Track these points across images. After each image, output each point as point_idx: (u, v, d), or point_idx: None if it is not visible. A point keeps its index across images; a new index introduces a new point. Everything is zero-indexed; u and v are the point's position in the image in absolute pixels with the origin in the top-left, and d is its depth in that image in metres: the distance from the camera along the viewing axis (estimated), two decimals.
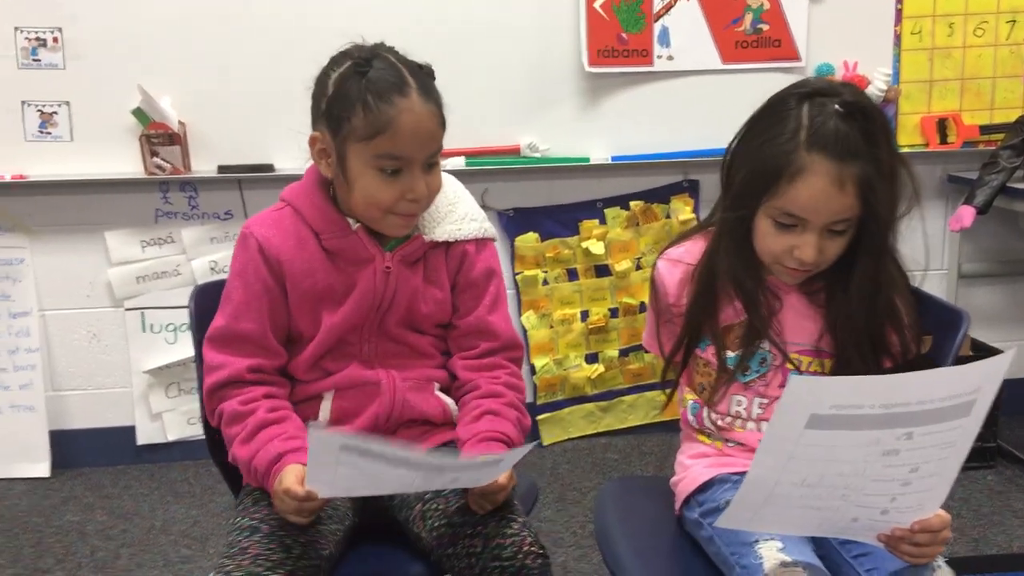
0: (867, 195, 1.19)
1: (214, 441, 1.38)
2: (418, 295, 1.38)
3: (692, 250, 1.38)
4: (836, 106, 1.20)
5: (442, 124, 1.31)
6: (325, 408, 1.37)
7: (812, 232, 1.22)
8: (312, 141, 1.32)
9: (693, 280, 1.35)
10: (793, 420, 0.96)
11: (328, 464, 1.10)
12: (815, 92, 1.23)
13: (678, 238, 1.44)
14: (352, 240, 1.34)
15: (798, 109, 1.22)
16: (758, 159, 1.24)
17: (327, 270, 1.35)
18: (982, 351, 2.66)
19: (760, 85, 1.31)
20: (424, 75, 1.30)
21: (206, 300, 1.43)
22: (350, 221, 1.35)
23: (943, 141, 2.76)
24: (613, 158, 2.73)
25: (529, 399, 2.83)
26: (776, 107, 1.26)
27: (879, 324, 1.29)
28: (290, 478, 1.19)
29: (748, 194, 1.26)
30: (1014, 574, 2.11)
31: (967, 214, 2.48)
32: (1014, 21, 2.71)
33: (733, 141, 1.32)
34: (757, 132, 1.27)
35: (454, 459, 1.18)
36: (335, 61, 1.31)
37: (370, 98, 1.24)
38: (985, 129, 2.74)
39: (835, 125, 1.19)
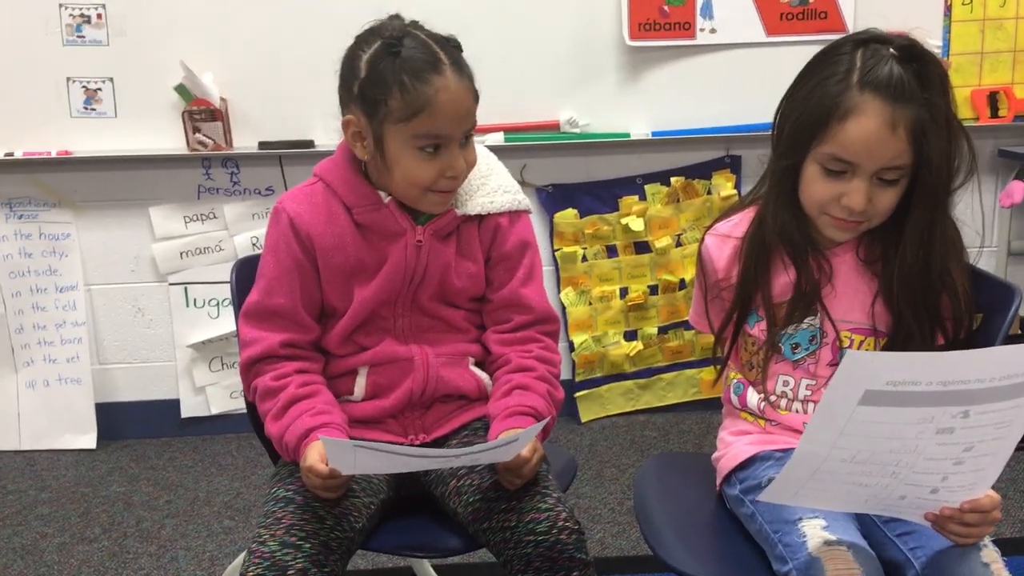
0: (920, 141, 1.16)
1: (255, 414, 1.40)
2: (451, 269, 1.37)
3: (741, 224, 1.36)
4: (891, 50, 1.18)
5: (476, 98, 1.30)
6: (360, 383, 1.38)
7: (862, 178, 1.19)
8: (346, 124, 1.31)
9: (743, 250, 1.33)
10: (847, 395, 0.95)
11: (346, 458, 1.14)
12: (871, 39, 1.20)
13: (726, 212, 1.41)
14: (383, 214, 1.34)
15: (852, 54, 1.20)
16: (809, 102, 1.21)
17: (358, 244, 1.35)
18: None
19: (805, 58, 1.27)
20: (453, 49, 1.29)
21: (246, 274, 1.43)
22: (381, 195, 1.34)
23: (994, 115, 2.69)
24: (653, 133, 2.70)
25: (567, 376, 2.82)
26: (829, 53, 1.23)
27: (934, 290, 1.25)
28: (314, 456, 1.21)
29: (798, 140, 1.23)
30: None
31: (1018, 189, 2.43)
32: None
33: (786, 94, 1.29)
34: (809, 77, 1.24)
35: (467, 448, 1.19)
36: (363, 40, 1.29)
37: (406, 78, 1.23)
38: None
39: (890, 67, 1.17)
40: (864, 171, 1.19)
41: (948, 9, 2.65)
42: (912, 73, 1.17)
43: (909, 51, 1.18)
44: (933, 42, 2.62)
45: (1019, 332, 2.50)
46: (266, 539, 1.20)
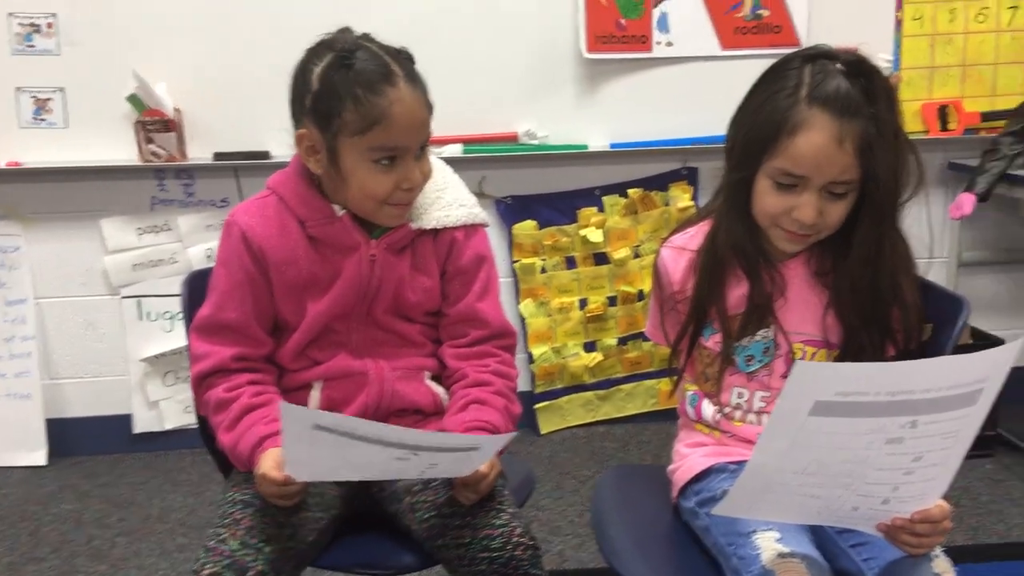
0: (867, 155, 1.17)
1: (207, 428, 1.37)
2: (405, 283, 1.36)
3: (696, 236, 1.36)
4: (839, 65, 1.19)
5: (430, 109, 1.30)
6: (314, 398, 1.36)
7: (811, 192, 1.20)
8: (299, 139, 1.29)
9: (698, 262, 1.33)
10: (797, 406, 0.95)
11: (303, 444, 1.09)
12: (819, 54, 1.22)
13: (682, 225, 1.42)
14: (337, 228, 1.33)
15: (801, 69, 1.21)
16: (759, 116, 1.23)
17: (311, 258, 1.33)
18: (982, 340, 2.65)
19: (760, 71, 1.28)
20: (405, 60, 1.29)
21: (197, 287, 1.42)
22: (335, 208, 1.33)
23: (944, 128, 2.74)
24: (612, 145, 2.71)
25: (527, 388, 2.82)
26: (778, 68, 1.24)
27: (884, 302, 1.26)
28: (268, 462, 1.19)
29: (749, 154, 1.24)
30: (1012, 563, 2.11)
31: (967, 201, 2.46)
32: (1015, 7, 2.68)
33: (737, 108, 1.30)
34: (759, 92, 1.25)
35: (429, 437, 1.17)
36: (314, 53, 1.28)
37: (359, 91, 1.22)
38: (986, 116, 2.72)
39: (837, 83, 1.18)
40: (813, 185, 1.20)
41: (899, 24, 2.70)
42: (859, 88, 1.18)
43: (857, 66, 1.20)
44: (884, 56, 2.67)
45: (969, 343, 2.55)
46: (226, 537, 1.19)
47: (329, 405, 1.36)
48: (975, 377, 0.96)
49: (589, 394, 2.90)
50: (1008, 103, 2.68)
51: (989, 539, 2.19)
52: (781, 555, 1.12)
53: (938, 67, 2.72)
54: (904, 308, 1.27)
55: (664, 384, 2.89)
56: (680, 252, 1.37)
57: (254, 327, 1.33)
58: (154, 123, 2.52)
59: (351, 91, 1.22)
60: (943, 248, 2.80)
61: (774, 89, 1.22)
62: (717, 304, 1.32)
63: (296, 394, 1.37)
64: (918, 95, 2.73)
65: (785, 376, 1.30)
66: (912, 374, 0.95)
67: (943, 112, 2.73)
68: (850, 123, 1.17)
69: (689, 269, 1.35)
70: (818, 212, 1.21)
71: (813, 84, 1.19)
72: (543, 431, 2.87)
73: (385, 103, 1.23)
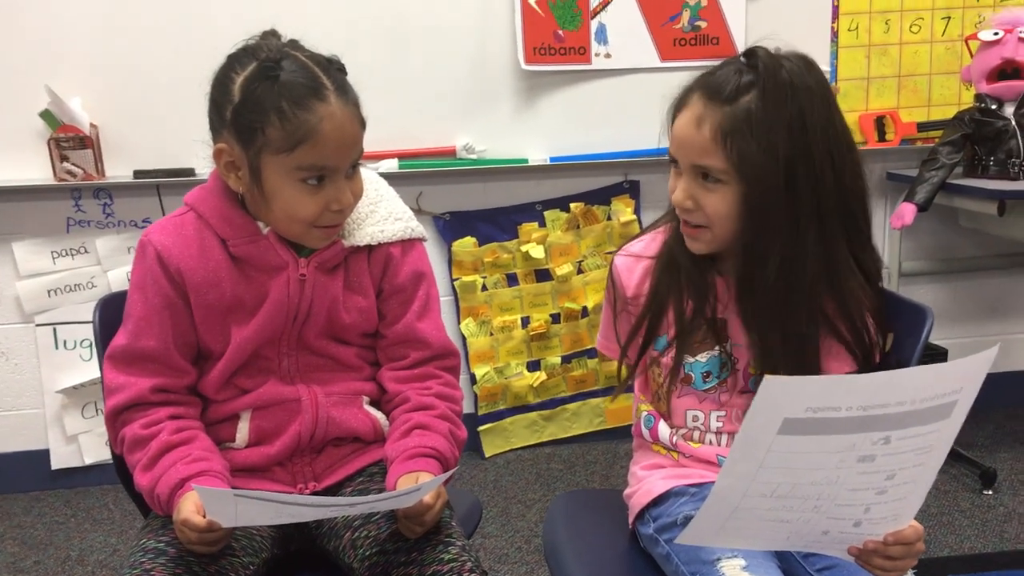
0: (728, 145, 1.12)
1: (124, 466, 1.26)
2: (339, 304, 1.27)
3: (651, 244, 1.31)
4: (742, 58, 1.15)
5: (363, 125, 1.21)
6: (242, 429, 1.26)
7: (682, 172, 1.19)
8: (218, 153, 1.19)
9: (655, 267, 1.28)
10: (766, 424, 0.89)
11: (226, 509, 1.03)
12: (765, 52, 1.15)
13: (637, 235, 1.37)
14: (262, 246, 1.23)
15: (738, 58, 1.17)
16: None
17: (234, 280, 1.23)
18: (928, 351, 2.65)
19: None
20: (337, 72, 1.19)
21: (111, 313, 1.30)
22: (260, 225, 1.24)
23: (881, 139, 2.75)
24: (552, 159, 2.66)
25: (470, 409, 2.73)
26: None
27: (796, 321, 1.18)
28: (188, 507, 1.08)
29: None
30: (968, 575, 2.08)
31: (908, 211, 2.46)
32: (949, 18, 2.71)
33: None
34: None
35: (364, 500, 1.08)
36: (236, 60, 1.18)
37: (285, 105, 1.13)
38: (923, 126, 2.74)
39: (726, 72, 1.15)
40: (683, 165, 1.19)
41: (835, 35, 2.70)
42: (746, 81, 1.13)
43: (756, 60, 1.13)
44: (821, 68, 2.66)
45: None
46: None
47: (259, 436, 1.26)
48: (950, 388, 0.91)
49: (534, 415, 2.82)
50: (943, 113, 2.70)
51: (942, 552, 2.17)
52: None
53: (874, 78, 2.73)
54: (838, 335, 1.21)
55: (610, 403, 2.83)
56: (636, 260, 1.32)
57: (174, 356, 1.23)
58: (69, 140, 2.38)
59: (276, 105, 1.13)
60: (884, 259, 2.79)
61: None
62: (675, 307, 1.25)
63: (222, 426, 1.27)
64: (855, 106, 2.73)
65: (743, 391, 1.24)
66: (885, 387, 0.89)
67: (880, 123, 2.74)
68: (714, 109, 1.13)
69: (644, 277, 1.30)
70: (687, 194, 1.18)
71: (708, 70, 1.17)
72: (487, 454, 2.78)
73: (314, 119, 1.13)
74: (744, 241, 1.18)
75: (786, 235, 1.15)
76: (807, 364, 1.20)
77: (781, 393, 0.88)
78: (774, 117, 1.12)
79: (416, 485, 1.08)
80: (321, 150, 1.15)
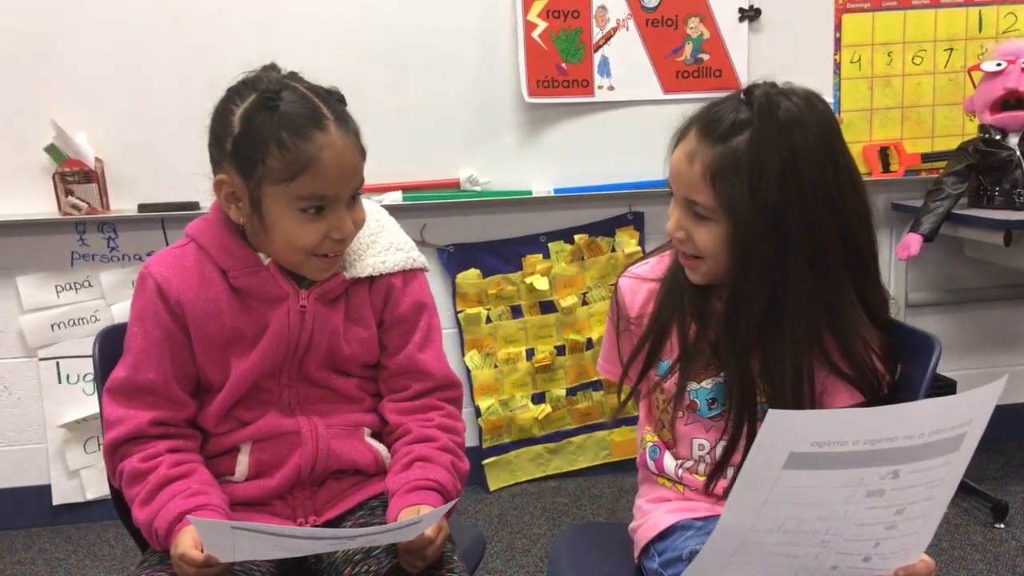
0: (716, 183, 1.12)
1: (122, 500, 1.25)
2: (339, 335, 1.26)
3: (656, 267, 1.31)
4: (742, 96, 1.14)
5: (363, 154, 1.21)
6: (242, 462, 1.25)
7: (676, 204, 1.20)
8: (219, 185, 1.19)
9: (660, 289, 1.28)
10: (771, 459, 0.87)
11: (224, 543, 1.02)
12: (765, 87, 1.14)
13: (642, 257, 1.38)
14: (263, 277, 1.23)
15: (738, 94, 1.16)
16: None
17: (235, 311, 1.23)
18: (936, 382, 2.62)
19: None
20: (336, 102, 1.20)
21: (111, 345, 1.29)
22: (260, 256, 1.23)
23: (885, 170, 2.74)
24: (556, 190, 2.66)
25: (474, 442, 2.71)
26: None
27: (772, 355, 1.17)
28: (187, 541, 1.07)
29: None
30: None
31: (914, 242, 2.45)
32: (951, 49, 2.72)
33: None
34: None
35: (364, 532, 1.07)
36: (236, 93, 1.18)
37: (285, 135, 1.13)
38: (927, 157, 2.73)
39: (724, 108, 1.14)
40: (676, 196, 1.19)
41: (837, 67, 2.71)
42: (744, 123, 1.11)
43: (754, 98, 1.12)
44: (824, 99, 2.67)
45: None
46: None
47: (259, 469, 1.25)
48: (959, 420, 0.89)
49: (539, 448, 2.79)
50: (947, 144, 2.69)
51: None
52: None
53: (877, 109, 2.74)
54: (831, 362, 1.19)
55: (616, 435, 2.80)
56: (641, 282, 1.32)
57: (174, 388, 1.22)
58: (74, 174, 2.39)
59: (276, 135, 1.13)
60: (890, 289, 2.77)
61: None
62: (679, 330, 1.25)
63: (221, 459, 1.25)
64: (859, 137, 2.73)
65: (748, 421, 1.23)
66: (892, 420, 0.87)
67: (884, 154, 2.74)
68: (708, 146, 1.13)
69: (648, 299, 1.29)
70: (679, 225, 1.19)
71: (711, 102, 1.17)
72: (492, 488, 2.75)
73: (313, 148, 1.13)
74: (732, 278, 1.17)
75: (774, 276, 1.14)
76: (794, 402, 1.17)
77: (786, 427, 0.87)
78: (765, 159, 1.11)
79: (417, 517, 1.06)
80: (321, 179, 1.15)
